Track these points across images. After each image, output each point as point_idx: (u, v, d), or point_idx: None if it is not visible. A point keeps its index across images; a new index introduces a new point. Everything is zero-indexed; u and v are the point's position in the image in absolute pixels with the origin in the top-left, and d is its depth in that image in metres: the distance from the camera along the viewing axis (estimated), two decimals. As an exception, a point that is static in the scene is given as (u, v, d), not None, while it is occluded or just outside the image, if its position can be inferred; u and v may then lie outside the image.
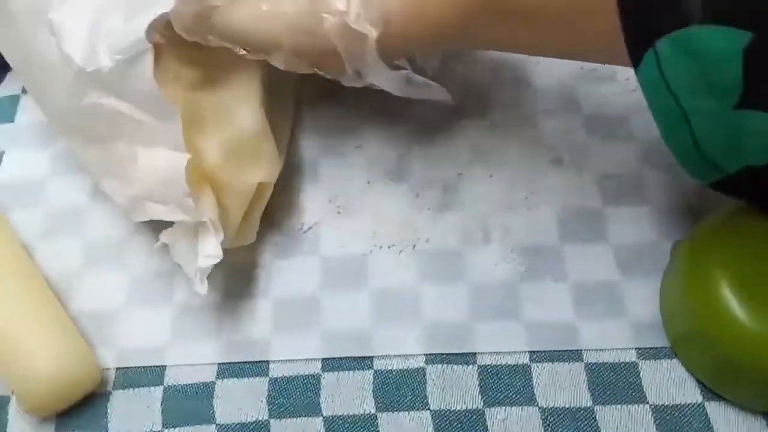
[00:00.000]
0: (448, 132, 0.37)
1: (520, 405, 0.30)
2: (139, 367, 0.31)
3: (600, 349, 0.31)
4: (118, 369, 0.31)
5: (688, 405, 0.30)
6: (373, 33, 0.28)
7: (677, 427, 0.30)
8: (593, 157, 0.36)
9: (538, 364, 0.31)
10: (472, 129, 0.37)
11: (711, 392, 0.30)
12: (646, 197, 0.35)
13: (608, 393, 0.30)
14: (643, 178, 0.35)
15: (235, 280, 0.33)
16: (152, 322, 0.32)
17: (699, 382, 0.30)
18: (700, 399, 0.30)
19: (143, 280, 0.33)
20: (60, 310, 0.31)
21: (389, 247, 0.34)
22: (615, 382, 0.31)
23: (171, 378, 0.31)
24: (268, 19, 0.29)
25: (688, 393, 0.30)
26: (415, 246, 0.34)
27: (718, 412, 0.30)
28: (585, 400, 0.30)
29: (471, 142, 0.36)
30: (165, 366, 0.31)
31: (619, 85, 0.38)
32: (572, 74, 0.38)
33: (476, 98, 0.38)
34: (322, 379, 0.31)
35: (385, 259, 0.34)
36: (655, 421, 0.30)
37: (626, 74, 0.38)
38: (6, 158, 0.37)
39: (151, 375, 0.31)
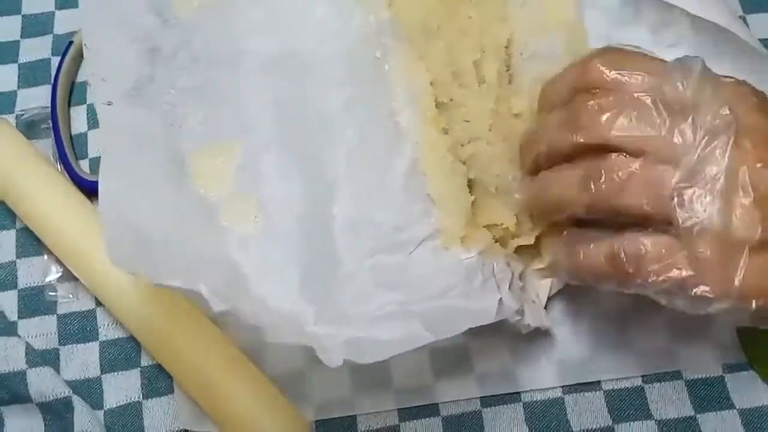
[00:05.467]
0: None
1: (640, 420, 0.38)
2: (334, 419, 0.38)
3: (695, 368, 0.39)
4: (317, 422, 0.38)
5: (765, 406, 0.39)
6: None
7: (758, 425, 0.38)
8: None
9: (649, 385, 0.39)
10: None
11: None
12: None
13: (705, 403, 0.39)
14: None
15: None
16: (335, 377, 0.39)
17: (773, 387, 0.39)
18: (775, 400, 0.39)
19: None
20: (265, 377, 0.38)
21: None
22: (709, 393, 0.39)
23: (362, 425, 0.38)
24: None
25: (765, 396, 0.39)
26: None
27: (789, 409, 0.39)
28: (689, 410, 0.39)
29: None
30: (355, 415, 0.38)
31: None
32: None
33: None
34: (483, 414, 0.38)
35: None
36: (741, 422, 0.39)
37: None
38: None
39: (346, 423, 0.38)
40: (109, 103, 0.36)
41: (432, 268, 0.36)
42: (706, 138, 0.30)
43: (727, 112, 0.31)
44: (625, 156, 0.31)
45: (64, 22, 0.47)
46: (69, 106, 0.45)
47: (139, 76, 0.37)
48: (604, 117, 0.31)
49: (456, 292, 0.35)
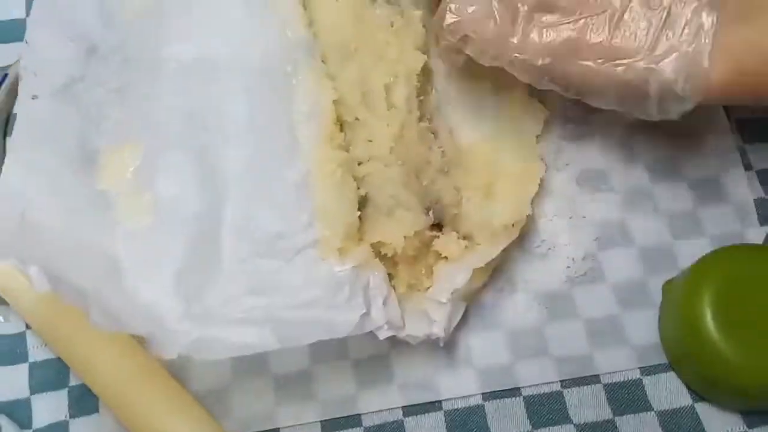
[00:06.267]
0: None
1: (560, 424, 0.39)
2: (258, 432, 0.39)
3: (613, 372, 0.40)
4: (240, 435, 0.39)
5: (683, 408, 0.40)
6: (690, 102, 0.35)
7: (676, 426, 0.39)
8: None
9: (567, 390, 0.40)
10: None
11: (699, 396, 0.40)
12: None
13: (623, 406, 0.40)
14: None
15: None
16: (259, 390, 0.40)
17: (690, 389, 0.40)
18: (691, 402, 0.40)
19: (245, 357, 0.40)
20: (187, 393, 0.38)
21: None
22: (627, 396, 0.40)
23: (286, 438, 0.39)
24: (601, 76, 0.36)
25: (683, 398, 0.40)
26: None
27: (704, 411, 0.40)
28: (607, 413, 0.40)
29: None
30: (279, 428, 0.39)
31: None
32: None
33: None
34: (405, 423, 0.39)
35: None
36: (660, 424, 0.39)
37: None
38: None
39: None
40: (34, 97, 0.38)
41: (305, 277, 0.37)
42: None
43: None
44: None
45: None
46: (5, 137, 0.46)
47: (72, 74, 0.40)
48: None
49: (321, 303, 0.36)
